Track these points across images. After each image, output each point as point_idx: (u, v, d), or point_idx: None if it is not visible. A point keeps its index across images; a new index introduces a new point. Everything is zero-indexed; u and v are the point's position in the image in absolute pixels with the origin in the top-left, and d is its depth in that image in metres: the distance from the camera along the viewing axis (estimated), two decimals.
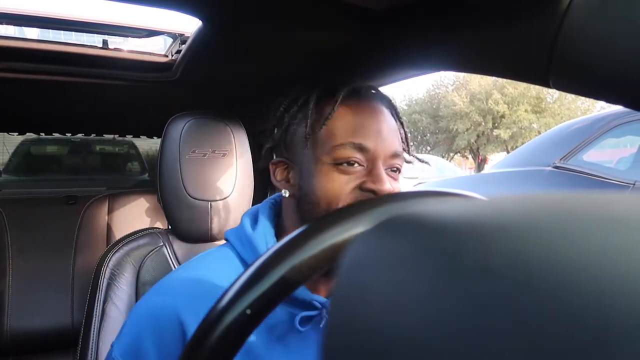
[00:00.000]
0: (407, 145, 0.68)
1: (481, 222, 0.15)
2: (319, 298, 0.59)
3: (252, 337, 0.56)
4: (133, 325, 0.58)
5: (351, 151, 0.58)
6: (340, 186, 0.58)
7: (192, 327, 0.54)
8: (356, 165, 0.58)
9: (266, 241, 0.62)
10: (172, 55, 1.09)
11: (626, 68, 0.42)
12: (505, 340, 0.11)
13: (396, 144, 0.61)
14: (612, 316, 0.10)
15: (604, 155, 2.67)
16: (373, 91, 0.66)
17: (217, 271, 0.61)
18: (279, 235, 0.64)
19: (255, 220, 0.65)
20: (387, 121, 0.62)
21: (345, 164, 0.58)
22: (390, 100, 0.67)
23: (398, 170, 0.62)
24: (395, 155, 0.61)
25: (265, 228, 0.63)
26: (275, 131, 0.66)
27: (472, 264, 0.13)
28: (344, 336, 0.17)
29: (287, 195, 0.63)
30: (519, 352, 0.11)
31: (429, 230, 0.16)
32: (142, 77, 1.14)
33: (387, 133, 0.60)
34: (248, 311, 0.27)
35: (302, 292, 0.59)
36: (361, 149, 0.58)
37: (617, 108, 2.50)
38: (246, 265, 0.62)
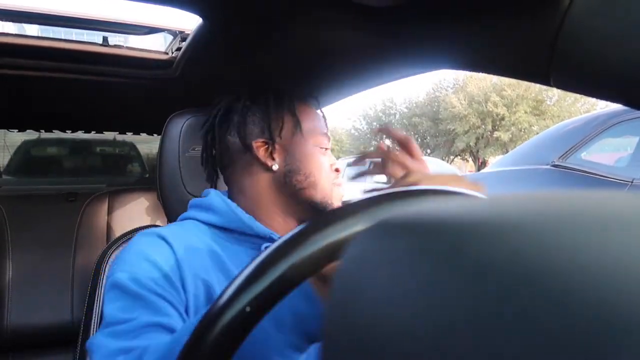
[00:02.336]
0: None
1: (480, 220, 0.15)
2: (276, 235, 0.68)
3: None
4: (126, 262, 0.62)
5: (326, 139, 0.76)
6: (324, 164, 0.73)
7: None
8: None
9: (222, 198, 0.69)
10: (172, 53, 1.09)
11: (627, 67, 0.42)
12: (503, 337, 0.11)
13: None
14: (612, 314, 0.10)
15: (604, 158, 2.67)
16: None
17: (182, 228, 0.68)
18: (247, 208, 0.71)
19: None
20: None
21: (323, 149, 0.74)
22: None
23: None
24: None
25: (216, 193, 0.71)
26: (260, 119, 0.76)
27: (471, 262, 0.13)
28: (343, 332, 0.17)
29: (275, 168, 0.72)
30: (517, 349, 0.11)
31: (429, 228, 0.16)
32: (142, 75, 1.14)
33: None
34: (248, 308, 0.27)
35: (262, 228, 0.67)
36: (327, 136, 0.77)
37: (615, 107, 2.50)
38: (206, 225, 0.68)
